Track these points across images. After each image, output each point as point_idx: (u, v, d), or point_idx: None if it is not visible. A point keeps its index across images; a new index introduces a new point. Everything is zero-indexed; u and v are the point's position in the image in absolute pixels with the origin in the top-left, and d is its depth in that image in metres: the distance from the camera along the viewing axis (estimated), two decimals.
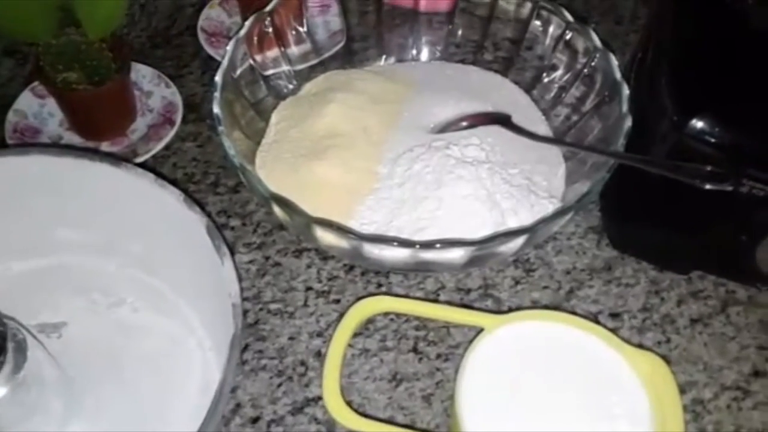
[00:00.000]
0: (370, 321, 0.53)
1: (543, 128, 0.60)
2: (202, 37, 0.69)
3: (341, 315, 0.48)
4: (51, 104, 0.63)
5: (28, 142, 0.61)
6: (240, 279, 0.51)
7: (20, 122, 0.62)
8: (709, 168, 0.47)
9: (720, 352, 0.53)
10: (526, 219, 0.51)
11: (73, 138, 0.63)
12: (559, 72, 0.61)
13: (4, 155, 0.49)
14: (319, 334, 0.53)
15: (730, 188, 0.46)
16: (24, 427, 0.44)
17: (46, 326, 0.50)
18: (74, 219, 0.50)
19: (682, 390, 0.50)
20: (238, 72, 0.57)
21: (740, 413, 0.50)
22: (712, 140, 0.47)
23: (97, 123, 0.62)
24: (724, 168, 0.47)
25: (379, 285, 0.56)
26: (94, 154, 0.49)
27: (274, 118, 0.61)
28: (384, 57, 0.66)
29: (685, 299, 0.55)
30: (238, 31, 0.58)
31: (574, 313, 0.49)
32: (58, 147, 0.61)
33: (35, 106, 0.64)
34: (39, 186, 0.49)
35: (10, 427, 0.43)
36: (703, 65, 0.51)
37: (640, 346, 0.50)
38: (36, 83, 0.64)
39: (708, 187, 0.46)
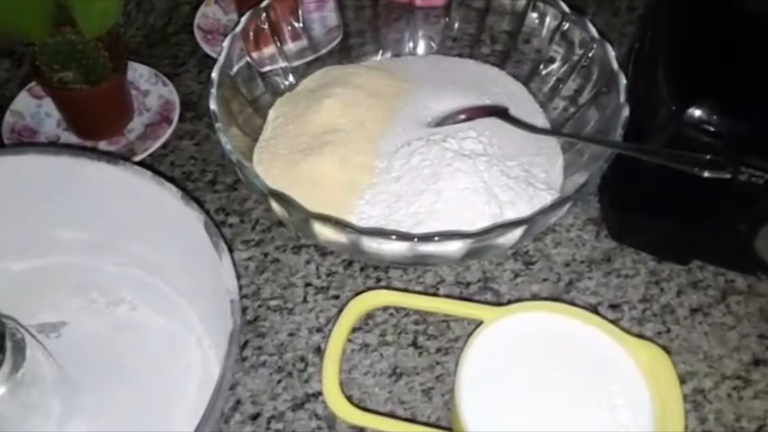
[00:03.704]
0: (370, 316, 0.53)
1: (541, 120, 0.60)
2: (198, 35, 0.69)
3: (341, 310, 0.48)
4: (48, 105, 0.63)
5: (25, 142, 0.61)
6: (239, 276, 0.51)
7: (17, 123, 0.62)
8: (707, 156, 0.47)
9: (720, 341, 0.53)
10: (524, 211, 0.50)
11: (70, 138, 0.63)
12: (556, 64, 0.61)
13: (1, 155, 0.49)
14: (319, 330, 0.53)
15: (728, 176, 0.46)
16: (24, 426, 0.44)
17: (45, 326, 0.50)
18: (72, 218, 0.50)
19: (683, 380, 0.50)
20: (235, 69, 0.57)
21: (741, 402, 0.50)
22: (711, 128, 0.47)
23: (94, 122, 0.62)
24: (723, 156, 0.47)
25: (378, 280, 0.55)
26: (91, 152, 0.49)
27: (272, 114, 0.61)
28: (381, 52, 0.66)
29: (684, 289, 0.55)
30: (234, 28, 0.57)
31: (573, 304, 0.49)
32: (55, 146, 0.61)
33: (32, 107, 0.64)
34: (36, 185, 0.49)
35: (10, 427, 0.43)
36: (700, 54, 0.51)
37: (641, 336, 0.50)
38: (33, 84, 0.64)
39: (707, 174, 0.46)
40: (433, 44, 0.66)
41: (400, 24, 0.65)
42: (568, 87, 0.60)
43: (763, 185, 0.47)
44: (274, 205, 0.50)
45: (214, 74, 0.54)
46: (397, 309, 0.54)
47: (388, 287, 0.55)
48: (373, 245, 0.48)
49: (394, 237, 0.47)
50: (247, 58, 0.59)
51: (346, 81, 0.60)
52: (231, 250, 0.54)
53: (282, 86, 0.62)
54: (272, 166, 0.56)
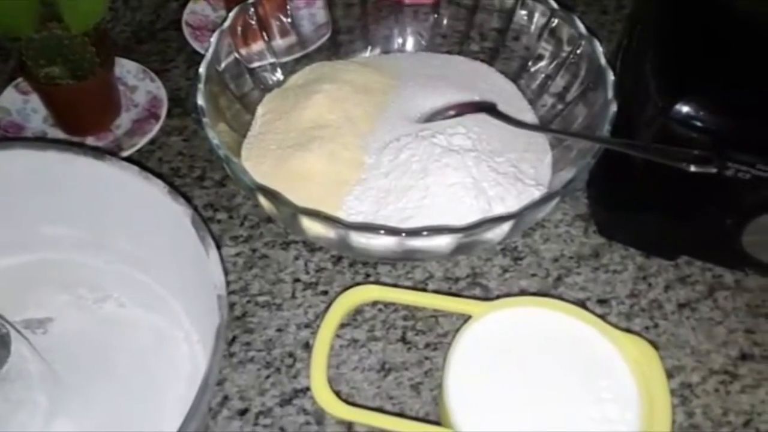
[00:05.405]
0: (358, 311, 0.53)
1: (529, 117, 0.60)
2: (186, 31, 0.69)
3: (329, 306, 0.48)
4: (34, 100, 0.63)
5: (11, 137, 0.60)
6: (227, 272, 0.51)
7: (3, 119, 0.62)
8: (694, 151, 0.47)
9: (707, 336, 0.53)
10: (512, 206, 0.50)
11: (57, 134, 0.62)
12: (545, 61, 0.61)
13: None
14: (307, 326, 0.53)
15: (715, 171, 0.46)
16: (9, 422, 0.43)
17: (32, 322, 0.50)
18: (59, 214, 0.50)
19: (670, 374, 0.50)
20: (223, 65, 0.57)
21: (728, 397, 0.50)
22: (697, 124, 0.47)
23: (80, 118, 0.62)
24: (710, 151, 0.47)
25: (367, 275, 0.55)
26: (78, 147, 0.49)
27: (260, 110, 0.60)
28: (369, 48, 0.66)
29: (672, 285, 0.55)
30: (222, 23, 0.57)
31: (562, 299, 0.49)
32: (41, 141, 0.61)
33: (19, 103, 0.63)
34: (23, 181, 0.49)
35: None
36: (687, 50, 0.51)
37: (628, 331, 0.50)
38: (19, 79, 0.63)
39: (693, 169, 0.46)
40: (422, 41, 0.66)
41: (389, 21, 0.65)
42: (557, 84, 0.60)
43: (750, 180, 0.47)
44: (263, 201, 0.49)
45: (202, 70, 0.54)
46: (386, 304, 0.54)
47: (376, 283, 0.55)
48: (361, 240, 0.48)
49: (382, 232, 0.47)
50: (236, 54, 0.59)
51: (334, 77, 0.60)
52: (219, 246, 0.54)
53: (270, 82, 0.62)
54: (260, 162, 0.56)
